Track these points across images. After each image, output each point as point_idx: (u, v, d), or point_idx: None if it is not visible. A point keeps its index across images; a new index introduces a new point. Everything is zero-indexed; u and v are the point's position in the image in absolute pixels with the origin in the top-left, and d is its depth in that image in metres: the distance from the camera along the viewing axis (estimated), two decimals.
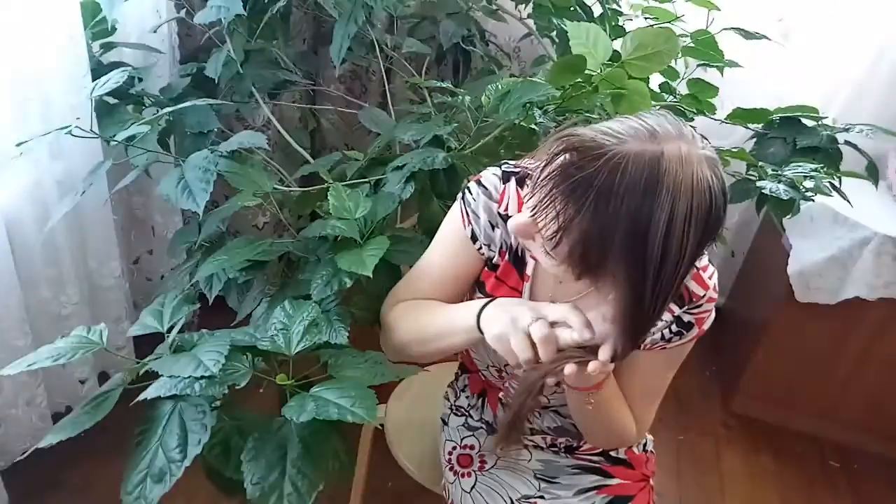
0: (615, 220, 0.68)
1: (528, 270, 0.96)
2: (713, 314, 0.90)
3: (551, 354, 0.76)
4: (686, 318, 0.89)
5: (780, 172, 1.20)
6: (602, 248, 0.70)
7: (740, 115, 1.41)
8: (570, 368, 0.76)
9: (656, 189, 0.66)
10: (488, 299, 0.86)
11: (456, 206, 0.97)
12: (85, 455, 1.56)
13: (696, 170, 0.68)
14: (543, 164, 0.73)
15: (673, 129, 0.71)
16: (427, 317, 0.95)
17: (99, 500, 1.54)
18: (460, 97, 1.18)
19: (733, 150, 1.24)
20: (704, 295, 0.87)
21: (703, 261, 0.88)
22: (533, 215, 0.74)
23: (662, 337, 0.90)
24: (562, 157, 0.71)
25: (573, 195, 0.69)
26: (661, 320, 0.88)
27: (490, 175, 0.94)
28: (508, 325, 0.78)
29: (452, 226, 0.97)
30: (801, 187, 1.17)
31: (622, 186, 0.67)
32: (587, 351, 0.76)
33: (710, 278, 0.88)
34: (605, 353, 0.75)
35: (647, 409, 0.99)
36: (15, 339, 1.33)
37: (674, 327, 0.89)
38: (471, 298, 1.00)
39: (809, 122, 1.39)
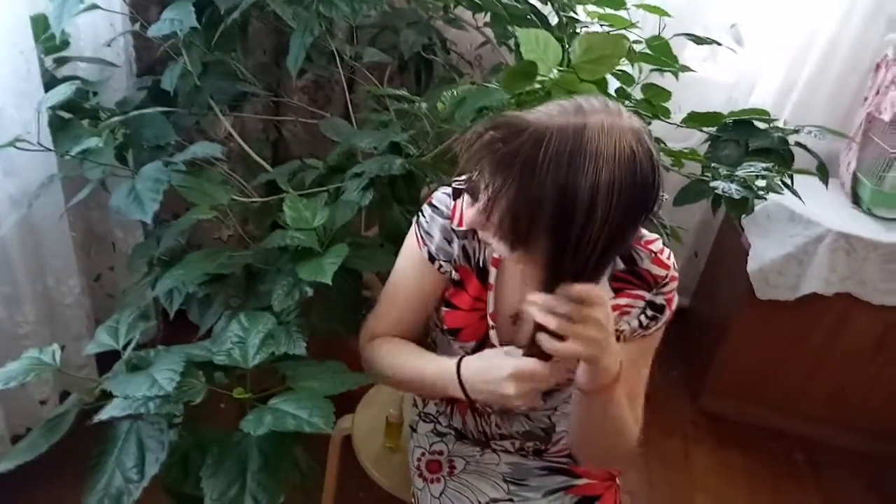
0: (541, 191, 0.70)
1: (492, 279, 0.97)
2: (677, 295, 0.93)
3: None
4: (658, 300, 0.91)
5: (733, 173, 1.23)
6: (530, 218, 0.73)
7: (695, 119, 1.43)
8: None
9: (579, 158, 0.69)
10: (456, 366, 0.87)
11: (411, 231, 0.99)
12: (55, 475, 1.51)
13: (618, 140, 0.70)
14: (471, 142, 0.75)
15: (598, 104, 0.74)
16: (402, 365, 0.96)
17: None
18: (416, 104, 1.19)
19: (685, 151, 1.27)
20: (667, 275, 0.91)
21: (658, 245, 0.91)
22: (463, 189, 0.77)
23: (640, 324, 0.92)
24: (488, 135, 0.73)
25: (499, 167, 0.72)
26: (635, 307, 0.91)
27: (440, 195, 0.97)
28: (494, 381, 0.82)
29: (410, 250, 1.00)
30: (754, 186, 1.20)
31: (546, 157, 0.70)
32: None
33: (668, 259, 0.91)
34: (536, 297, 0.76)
35: (637, 410, 0.95)
36: None
37: (648, 312, 0.92)
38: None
39: (762, 125, 1.42)
